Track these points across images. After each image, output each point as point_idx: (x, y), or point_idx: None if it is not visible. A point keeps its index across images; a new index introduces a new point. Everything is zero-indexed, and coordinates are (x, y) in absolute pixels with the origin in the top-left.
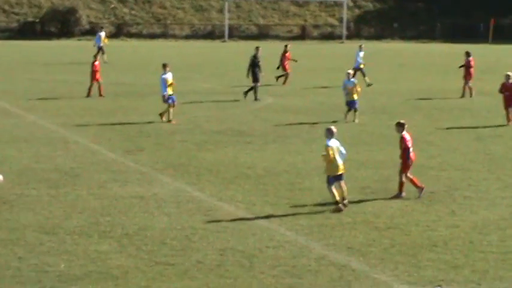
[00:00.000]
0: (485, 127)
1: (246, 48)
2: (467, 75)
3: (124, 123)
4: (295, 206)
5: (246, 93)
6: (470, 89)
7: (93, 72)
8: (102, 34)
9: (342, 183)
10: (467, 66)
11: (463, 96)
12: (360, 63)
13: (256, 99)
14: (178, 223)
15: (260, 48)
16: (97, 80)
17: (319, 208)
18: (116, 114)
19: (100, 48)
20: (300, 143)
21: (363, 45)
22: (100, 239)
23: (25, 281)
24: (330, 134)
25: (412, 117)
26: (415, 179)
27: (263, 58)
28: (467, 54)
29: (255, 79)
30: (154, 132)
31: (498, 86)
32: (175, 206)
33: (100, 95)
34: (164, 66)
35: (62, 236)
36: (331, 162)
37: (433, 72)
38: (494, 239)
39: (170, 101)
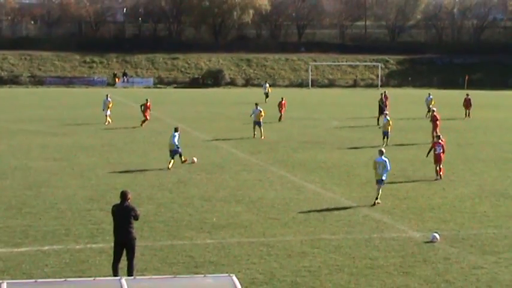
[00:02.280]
0: (464, 139)
1: (322, 92)
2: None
3: (250, 136)
4: (350, 185)
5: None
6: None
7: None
8: (267, 85)
9: (380, 188)
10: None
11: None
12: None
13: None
14: (282, 195)
15: (385, 92)
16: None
17: (364, 186)
18: (245, 131)
19: (266, 94)
20: (353, 148)
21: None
22: (236, 203)
23: (194, 228)
24: (379, 153)
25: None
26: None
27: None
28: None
29: (381, 112)
30: (267, 141)
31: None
32: (279, 185)
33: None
34: (256, 104)
35: (214, 202)
36: (374, 170)
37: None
38: (467, 205)
39: None
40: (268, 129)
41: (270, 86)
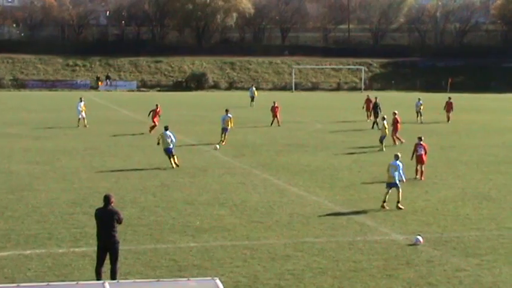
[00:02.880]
0: (447, 142)
1: (305, 95)
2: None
3: (233, 140)
4: (334, 188)
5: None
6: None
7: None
8: (254, 89)
9: (394, 189)
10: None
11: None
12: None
13: (372, 128)
14: (265, 198)
15: (378, 98)
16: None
17: (348, 189)
18: (229, 134)
19: (252, 98)
20: (337, 151)
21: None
22: (219, 207)
23: (177, 231)
24: (395, 157)
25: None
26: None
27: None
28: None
29: (375, 116)
30: (251, 144)
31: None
32: (263, 188)
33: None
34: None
35: (197, 206)
36: (387, 173)
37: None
38: (450, 208)
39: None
40: (252, 133)
41: (256, 89)
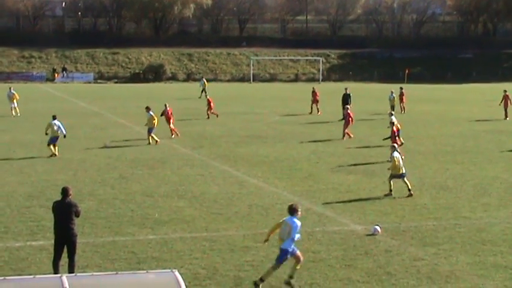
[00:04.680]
0: (404, 133)
1: (263, 87)
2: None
3: (191, 131)
4: (293, 179)
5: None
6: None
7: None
8: (204, 81)
9: (405, 179)
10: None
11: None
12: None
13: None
14: (224, 189)
15: (348, 89)
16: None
17: (306, 180)
18: (187, 125)
19: (203, 90)
20: (295, 143)
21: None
22: (178, 199)
23: (136, 224)
24: (392, 148)
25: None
26: None
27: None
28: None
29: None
30: (209, 136)
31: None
32: (222, 180)
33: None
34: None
35: (156, 198)
36: (396, 166)
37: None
38: (408, 198)
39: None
40: (210, 124)
41: (207, 81)
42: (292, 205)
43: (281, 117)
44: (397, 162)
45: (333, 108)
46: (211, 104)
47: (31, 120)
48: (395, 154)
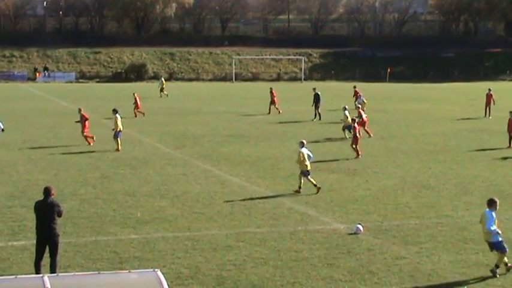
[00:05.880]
0: (386, 132)
1: (245, 86)
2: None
3: (174, 131)
4: (275, 178)
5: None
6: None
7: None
8: (162, 80)
9: (309, 177)
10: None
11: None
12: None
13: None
14: (206, 189)
15: (317, 89)
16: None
17: (288, 179)
18: (169, 125)
19: (161, 89)
20: (278, 142)
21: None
22: (161, 198)
23: (118, 223)
24: (301, 144)
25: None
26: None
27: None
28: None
29: (316, 107)
30: (192, 135)
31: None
32: (204, 179)
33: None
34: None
35: (138, 197)
36: (303, 162)
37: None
38: (390, 197)
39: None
40: (192, 123)
41: (166, 80)
42: (491, 199)
43: (263, 117)
44: (302, 158)
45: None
46: (138, 103)
47: (12, 120)
48: (303, 150)
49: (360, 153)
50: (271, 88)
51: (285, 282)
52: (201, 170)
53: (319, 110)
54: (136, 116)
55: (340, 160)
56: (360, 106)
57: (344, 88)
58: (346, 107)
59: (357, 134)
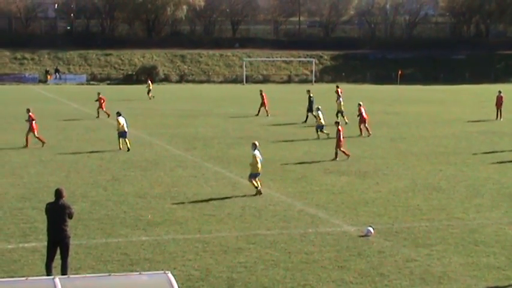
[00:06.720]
0: (397, 134)
1: (256, 88)
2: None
3: (184, 133)
4: (285, 180)
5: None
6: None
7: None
8: (149, 82)
9: (257, 178)
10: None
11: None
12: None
13: (305, 122)
14: (217, 191)
15: (310, 91)
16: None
17: (299, 182)
18: (179, 127)
19: (148, 91)
20: (288, 144)
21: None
22: (171, 200)
23: (128, 225)
24: (254, 146)
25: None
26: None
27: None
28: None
29: (310, 110)
30: (202, 137)
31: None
32: (214, 181)
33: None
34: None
35: (149, 199)
36: (254, 165)
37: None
38: (401, 199)
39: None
40: (202, 126)
41: (152, 83)
42: None
43: (274, 118)
44: (255, 161)
45: (326, 110)
46: (103, 103)
47: (24, 122)
48: (256, 152)
49: (347, 153)
50: (261, 90)
51: (296, 284)
52: (212, 172)
53: (311, 113)
54: (98, 116)
55: (350, 162)
56: (359, 105)
57: (355, 90)
58: (319, 107)
59: (341, 137)
